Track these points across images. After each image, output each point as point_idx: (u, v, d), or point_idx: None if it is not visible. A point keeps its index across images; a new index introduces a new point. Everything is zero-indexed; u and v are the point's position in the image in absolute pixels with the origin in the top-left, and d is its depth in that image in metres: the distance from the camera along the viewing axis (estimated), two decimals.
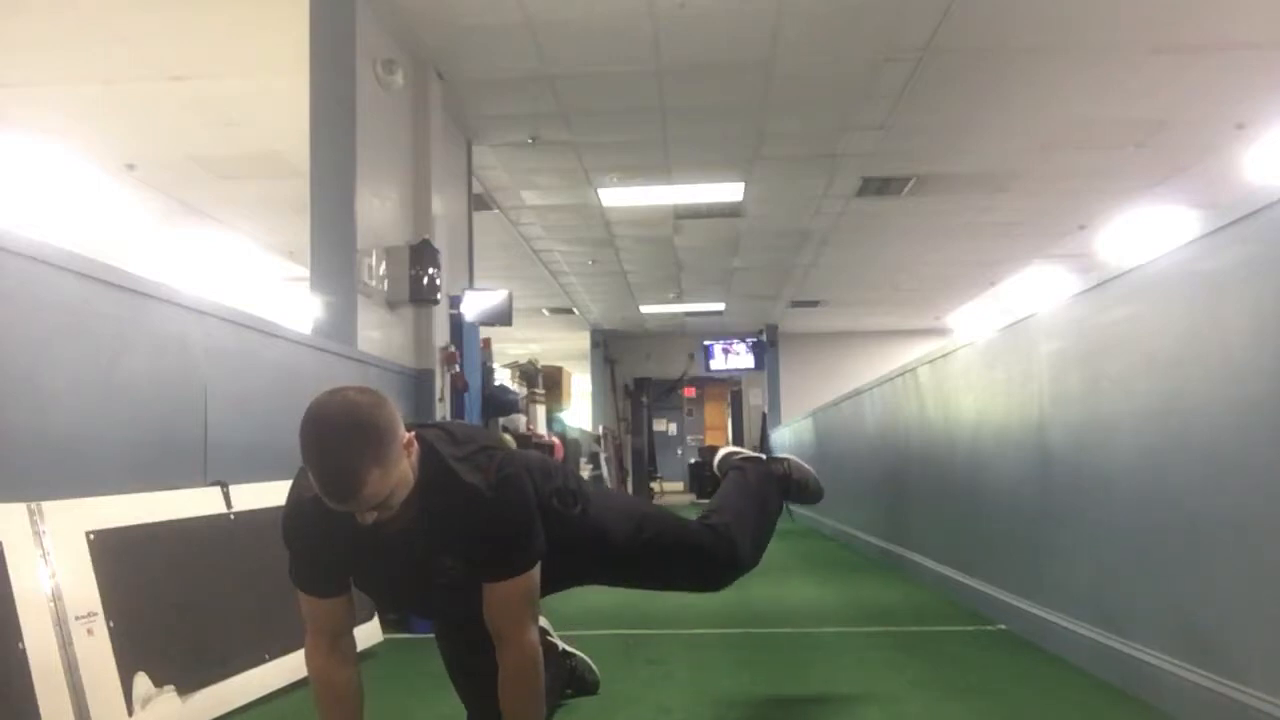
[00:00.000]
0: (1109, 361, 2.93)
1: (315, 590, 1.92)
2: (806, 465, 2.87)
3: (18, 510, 2.19)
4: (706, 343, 16.28)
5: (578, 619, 3.80)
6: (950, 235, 10.21)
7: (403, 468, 1.75)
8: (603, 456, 13.56)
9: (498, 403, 6.53)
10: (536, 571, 1.92)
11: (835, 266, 11.67)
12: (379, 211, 5.07)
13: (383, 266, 5.04)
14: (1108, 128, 7.07)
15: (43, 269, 2.45)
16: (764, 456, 2.86)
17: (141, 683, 2.35)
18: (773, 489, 2.75)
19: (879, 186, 8.42)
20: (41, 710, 2.05)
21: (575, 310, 14.43)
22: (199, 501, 2.84)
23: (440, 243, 5.53)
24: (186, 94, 6.09)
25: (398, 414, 1.77)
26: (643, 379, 17.76)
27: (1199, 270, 2.43)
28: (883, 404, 6.21)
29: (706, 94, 6.32)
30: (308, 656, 1.95)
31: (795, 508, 2.88)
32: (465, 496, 1.84)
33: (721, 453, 2.91)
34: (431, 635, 2.44)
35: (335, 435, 1.67)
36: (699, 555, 2.42)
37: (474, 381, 5.94)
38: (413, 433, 1.84)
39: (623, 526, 2.30)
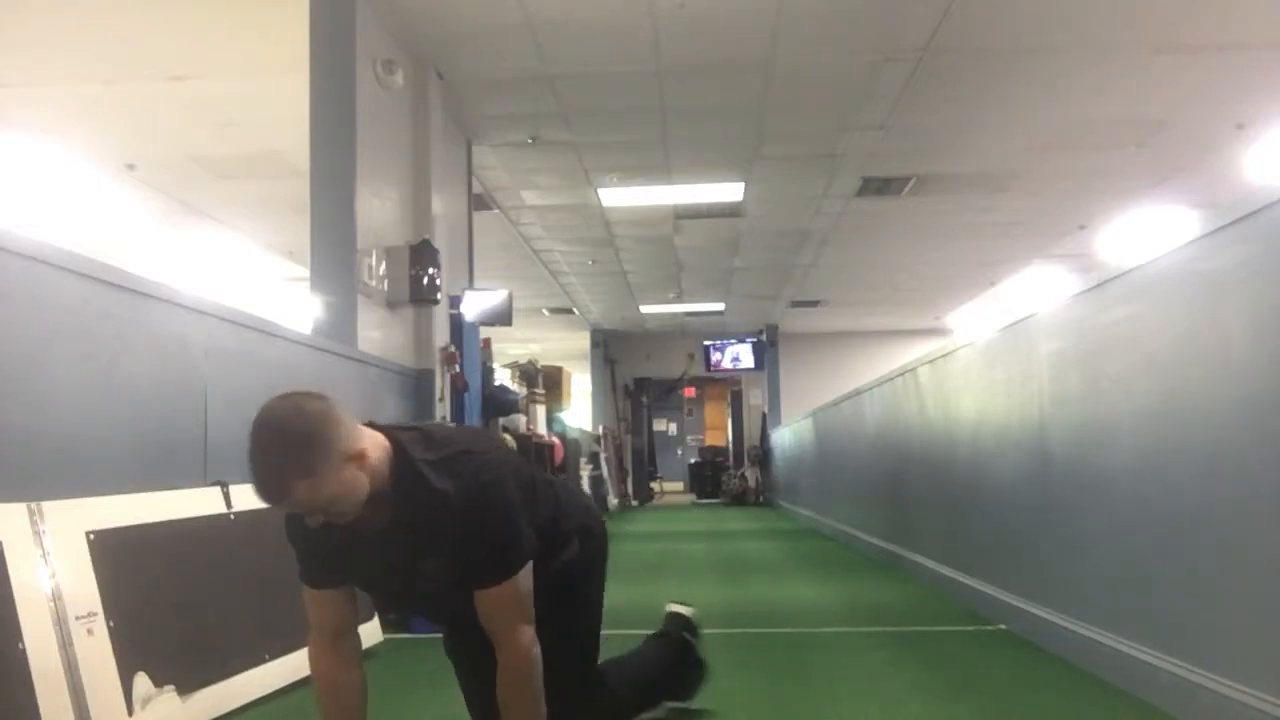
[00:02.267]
0: (1109, 361, 2.93)
1: (314, 583, 1.93)
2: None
3: (18, 510, 2.19)
4: (706, 343, 16.27)
5: None
6: (950, 235, 10.21)
7: (346, 477, 1.73)
8: (603, 456, 13.56)
9: (498, 403, 6.53)
10: (526, 573, 1.91)
11: (835, 266, 11.67)
12: (379, 211, 5.06)
13: (383, 266, 5.04)
14: (1108, 128, 7.07)
15: (43, 269, 2.45)
16: (695, 644, 2.69)
17: (141, 683, 2.35)
18: (673, 683, 2.62)
19: (879, 186, 8.42)
20: (41, 710, 2.05)
21: (575, 310, 14.42)
22: (199, 501, 2.85)
23: (440, 243, 5.53)
24: (186, 94, 6.09)
25: (346, 424, 1.75)
26: (643, 379, 17.75)
27: (1199, 270, 2.43)
28: (883, 404, 6.21)
29: (706, 94, 6.32)
30: (310, 654, 1.95)
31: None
32: (436, 503, 1.83)
33: (678, 610, 2.76)
34: (430, 635, 2.43)
35: (264, 443, 1.69)
36: (587, 692, 2.25)
37: (474, 381, 5.93)
38: (385, 435, 1.84)
39: (598, 609, 2.26)
